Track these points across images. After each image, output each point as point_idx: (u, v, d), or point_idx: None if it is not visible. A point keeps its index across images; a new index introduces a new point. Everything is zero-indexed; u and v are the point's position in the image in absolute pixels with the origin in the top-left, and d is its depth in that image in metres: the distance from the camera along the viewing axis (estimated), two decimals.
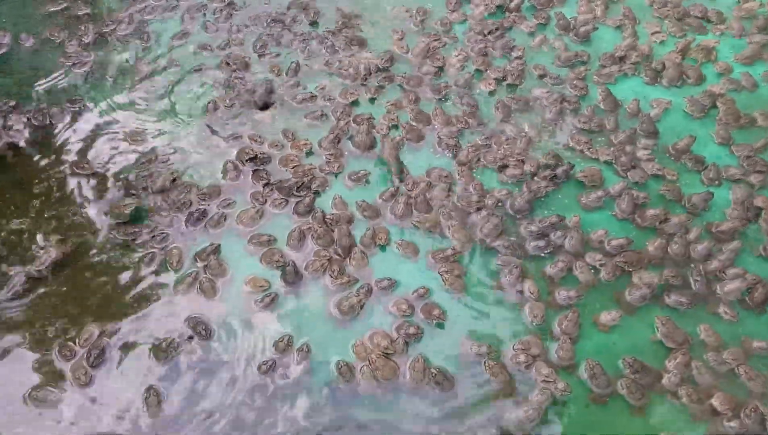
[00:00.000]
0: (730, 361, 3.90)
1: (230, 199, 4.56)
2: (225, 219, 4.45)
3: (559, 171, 4.68)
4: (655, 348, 4.00)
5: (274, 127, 5.02)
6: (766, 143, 4.90)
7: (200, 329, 3.93)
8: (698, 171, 4.83)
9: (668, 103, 5.20)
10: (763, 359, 3.93)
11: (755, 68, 5.48)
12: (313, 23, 5.79)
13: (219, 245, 4.32)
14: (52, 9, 5.82)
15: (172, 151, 4.82)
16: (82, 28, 5.65)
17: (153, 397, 3.68)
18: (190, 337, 3.92)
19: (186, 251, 4.29)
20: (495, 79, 5.34)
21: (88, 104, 5.11)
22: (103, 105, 5.13)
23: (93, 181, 4.64)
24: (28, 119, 4.96)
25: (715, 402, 3.75)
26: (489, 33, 5.68)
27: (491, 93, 5.27)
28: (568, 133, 5.01)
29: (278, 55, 5.51)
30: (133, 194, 4.55)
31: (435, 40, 5.56)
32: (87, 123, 5.01)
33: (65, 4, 5.86)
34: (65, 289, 4.12)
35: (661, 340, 3.99)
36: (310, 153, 4.86)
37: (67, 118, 5.00)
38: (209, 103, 5.12)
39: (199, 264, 4.24)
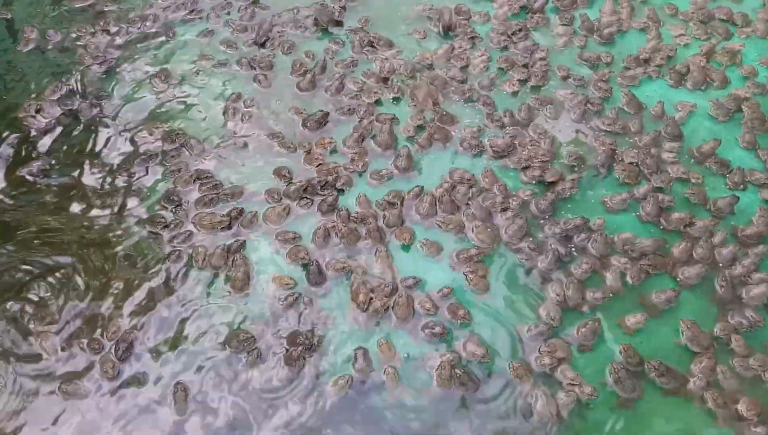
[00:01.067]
0: (756, 367, 3.88)
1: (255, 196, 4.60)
2: (257, 219, 4.50)
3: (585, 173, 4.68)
4: (680, 352, 3.99)
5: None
6: None
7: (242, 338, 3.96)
8: (723, 175, 4.80)
9: (693, 106, 5.18)
10: None
11: None
12: (338, 22, 5.81)
13: (244, 241, 4.35)
14: (79, 5, 5.87)
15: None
16: (105, 24, 5.72)
17: (181, 392, 3.72)
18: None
19: (211, 249, 4.32)
20: (519, 80, 5.33)
21: (113, 100, 5.16)
22: (127, 100, 5.18)
23: (123, 177, 4.70)
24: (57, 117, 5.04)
25: (741, 407, 3.74)
26: (512, 34, 5.67)
27: (514, 93, 5.27)
28: (592, 136, 5.00)
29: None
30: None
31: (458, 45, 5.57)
32: (111, 118, 5.06)
33: (91, 1, 5.91)
34: (92, 281, 4.18)
35: (686, 344, 3.98)
36: (334, 151, 4.89)
37: (95, 111, 5.05)
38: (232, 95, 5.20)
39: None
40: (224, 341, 3.94)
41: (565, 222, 4.45)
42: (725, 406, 3.75)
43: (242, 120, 5.05)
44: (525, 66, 5.43)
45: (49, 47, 5.53)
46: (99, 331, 3.95)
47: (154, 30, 5.72)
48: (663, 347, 4.00)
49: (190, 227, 4.42)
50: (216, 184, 4.63)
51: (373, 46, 5.57)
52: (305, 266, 4.25)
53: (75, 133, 4.97)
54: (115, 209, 4.53)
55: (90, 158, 4.81)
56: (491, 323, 4.08)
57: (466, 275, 4.24)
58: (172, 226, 4.42)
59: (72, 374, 3.79)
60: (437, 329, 3.97)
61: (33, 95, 5.13)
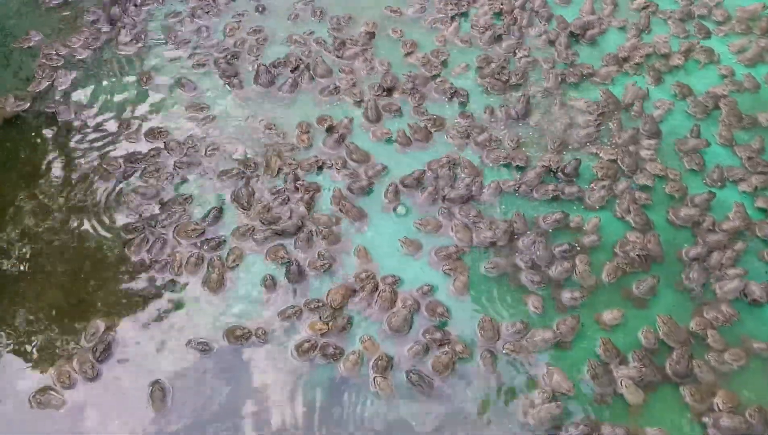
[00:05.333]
0: (731, 361, 3.93)
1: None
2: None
3: (569, 168, 4.70)
4: (658, 347, 4.02)
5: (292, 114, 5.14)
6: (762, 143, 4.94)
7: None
8: (701, 171, 4.85)
9: (671, 104, 5.23)
10: (764, 360, 3.96)
11: (757, 70, 5.50)
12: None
13: (224, 239, 4.36)
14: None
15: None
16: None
17: (158, 392, 3.71)
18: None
19: (188, 253, 4.33)
20: (502, 80, 5.36)
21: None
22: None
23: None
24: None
25: (717, 400, 3.78)
26: (497, 37, 5.70)
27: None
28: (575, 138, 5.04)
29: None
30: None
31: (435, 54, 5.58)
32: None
33: None
34: (69, 282, 4.17)
35: (662, 339, 4.02)
36: (309, 147, 4.92)
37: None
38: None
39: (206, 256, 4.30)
40: (223, 335, 3.96)
41: (545, 217, 4.48)
42: (702, 400, 3.78)
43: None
44: (503, 67, 5.45)
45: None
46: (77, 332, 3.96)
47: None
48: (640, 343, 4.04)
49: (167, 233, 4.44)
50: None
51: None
52: (285, 265, 4.26)
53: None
54: (94, 210, 4.53)
55: (65, 158, 4.80)
56: (470, 321, 4.09)
57: (445, 273, 4.27)
58: (149, 232, 4.43)
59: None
60: (438, 335, 3.99)
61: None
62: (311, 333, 3.98)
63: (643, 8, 5.95)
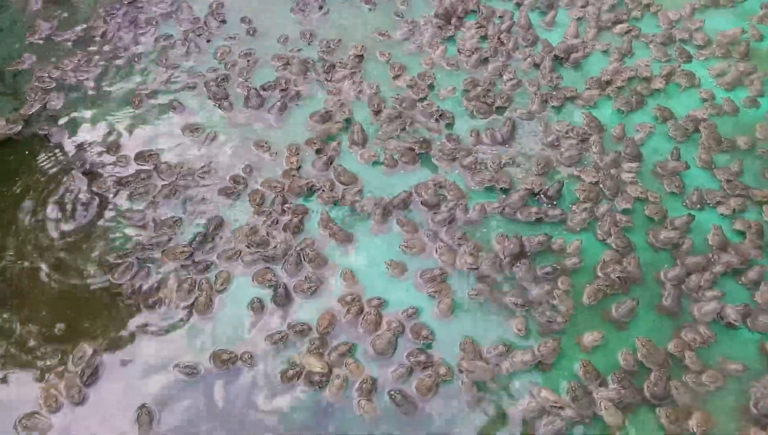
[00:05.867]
0: (708, 383, 4.01)
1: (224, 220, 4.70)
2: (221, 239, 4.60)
3: (551, 190, 4.80)
4: (637, 369, 4.11)
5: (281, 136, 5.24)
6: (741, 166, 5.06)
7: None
8: (680, 194, 4.96)
9: (652, 127, 5.34)
10: (740, 381, 4.05)
11: (736, 93, 5.63)
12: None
13: (212, 263, 4.44)
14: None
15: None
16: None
17: (145, 416, 3.77)
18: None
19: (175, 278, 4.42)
20: (488, 103, 5.47)
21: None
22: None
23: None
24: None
25: (692, 422, 3.86)
26: (483, 60, 5.81)
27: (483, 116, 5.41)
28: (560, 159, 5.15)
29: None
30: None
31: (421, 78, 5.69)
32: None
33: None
34: (56, 305, 4.24)
35: (641, 361, 4.11)
36: (299, 167, 5.02)
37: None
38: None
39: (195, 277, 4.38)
40: (210, 358, 4.03)
41: (529, 239, 4.58)
42: (677, 421, 3.86)
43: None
44: (488, 90, 5.56)
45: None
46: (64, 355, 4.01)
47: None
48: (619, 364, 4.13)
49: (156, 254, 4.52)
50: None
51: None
52: (273, 288, 4.34)
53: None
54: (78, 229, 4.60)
55: (56, 181, 4.88)
56: (454, 343, 4.17)
57: (430, 295, 4.35)
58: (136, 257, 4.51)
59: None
60: (422, 357, 4.06)
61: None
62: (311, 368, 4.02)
63: (626, 32, 6.09)
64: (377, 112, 5.39)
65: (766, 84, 5.69)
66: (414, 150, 5.13)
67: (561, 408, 3.86)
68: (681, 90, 5.66)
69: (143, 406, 3.82)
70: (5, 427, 3.75)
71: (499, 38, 5.98)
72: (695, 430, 3.82)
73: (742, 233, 4.74)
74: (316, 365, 4.01)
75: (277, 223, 4.68)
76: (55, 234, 4.56)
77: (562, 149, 5.17)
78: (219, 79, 5.58)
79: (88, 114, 5.35)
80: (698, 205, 4.89)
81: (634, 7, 6.33)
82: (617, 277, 4.42)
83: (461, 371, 4.00)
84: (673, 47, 6.01)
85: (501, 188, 4.92)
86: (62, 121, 5.27)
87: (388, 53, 5.87)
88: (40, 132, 5.17)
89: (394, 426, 3.84)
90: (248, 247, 4.51)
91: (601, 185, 4.94)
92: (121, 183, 4.86)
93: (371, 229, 4.70)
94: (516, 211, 4.76)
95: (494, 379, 4.00)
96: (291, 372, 3.98)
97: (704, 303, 4.32)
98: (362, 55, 5.84)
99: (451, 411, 3.91)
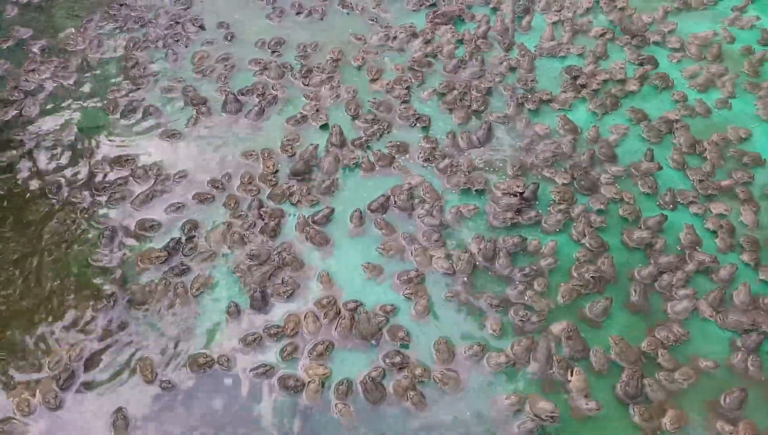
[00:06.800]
0: (681, 380, 4.06)
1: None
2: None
3: (527, 192, 4.85)
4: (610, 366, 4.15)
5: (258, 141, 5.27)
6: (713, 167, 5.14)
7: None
8: (653, 194, 5.02)
9: (626, 128, 5.41)
10: (711, 377, 4.11)
11: (709, 95, 5.71)
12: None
13: (185, 269, 4.44)
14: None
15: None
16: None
17: (121, 420, 3.76)
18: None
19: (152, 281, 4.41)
20: (464, 106, 5.52)
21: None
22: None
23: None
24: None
25: (666, 420, 3.90)
26: (460, 63, 5.86)
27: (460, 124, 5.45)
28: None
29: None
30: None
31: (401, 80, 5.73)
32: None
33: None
34: (32, 310, 4.22)
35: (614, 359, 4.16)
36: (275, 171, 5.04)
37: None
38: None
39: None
40: (186, 364, 4.03)
41: (504, 239, 4.62)
42: (650, 419, 3.91)
43: None
44: (465, 93, 5.61)
45: None
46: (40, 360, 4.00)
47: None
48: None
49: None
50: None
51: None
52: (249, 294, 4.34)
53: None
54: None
55: (31, 187, 4.87)
56: (430, 344, 4.19)
57: (406, 297, 4.38)
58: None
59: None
60: (398, 359, 4.08)
61: None
62: (310, 378, 4.01)
63: (601, 35, 6.16)
64: (355, 117, 5.41)
65: (738, 86, 5.79)
66: (392, 154, 5.17)
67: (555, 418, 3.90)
68: (659, 91, 5.73)
69: (119, 410, 3.82)
70: None
71: (475, 43, 6.03)
72: (669, 427, 3.86)
73: (713, 232, 4.80)
74: (318, 371, 4.02)
75: (254, 226, 4.68)
76: (24, 236, 4.56)
77: (537, 151, 5.23)
78: (196, 85, 5.58)
79: (62, 120, 5.32)
80: (671, 205, 4.96)
81: (609, 11, 6.40)
82: (591, 277, 4.47)
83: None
84: (646, 50, 6.09)
85: (476, 190, 4.96)
86: (37, 126, 5.25)
87: (364, 57, 5.90)
88: (14, 138, 5.14)
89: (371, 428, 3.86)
90: (229, 248, 4.54)
91: (575, 186, 5.00)
92: (97, 188, 4.84)
93: (348, 232, 4.72)
94: (493, 215, 4.80)
95: None
96: (262, 369, 4.01)
97: (677, 301, 4.38)
98: (339, 60, 5.87)
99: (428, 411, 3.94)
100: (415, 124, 5.39)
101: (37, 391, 3.87)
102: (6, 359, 4.01)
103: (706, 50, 6.07)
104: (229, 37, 6.04)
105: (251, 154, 5.12)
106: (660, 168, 5.14)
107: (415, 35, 6.10)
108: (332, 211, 4.77)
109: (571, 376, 4.03)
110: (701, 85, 5.77)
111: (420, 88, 5.70)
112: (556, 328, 4.23)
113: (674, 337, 4.24)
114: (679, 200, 4.98)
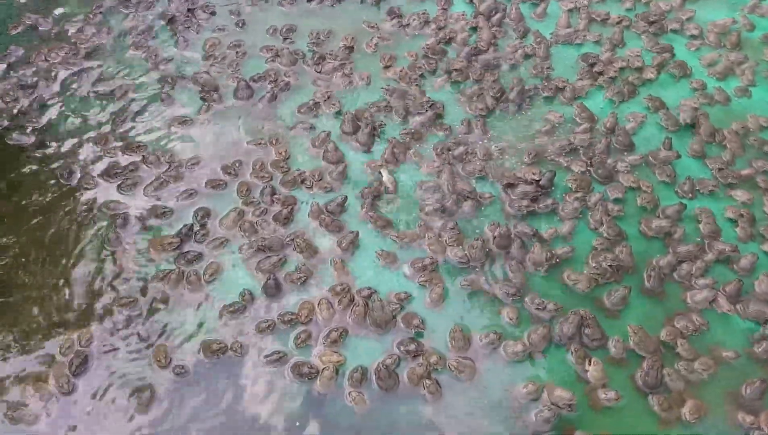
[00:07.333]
0: (701, 371, 3.99)
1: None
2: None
3: (543, 180, 4.77)
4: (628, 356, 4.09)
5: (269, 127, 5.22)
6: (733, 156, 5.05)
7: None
8: (671, 183, 4.94)
9: (644, 116, 5.33)
10: (732, 368, 4.03)
11: (728, 83, 5.61)
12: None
13: (198, 255, 4.41)
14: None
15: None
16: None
17: (144, 395, 3.79)
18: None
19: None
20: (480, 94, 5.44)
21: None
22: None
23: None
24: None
25: (685, 410, 3.84)
26: (475, 54, 5.78)
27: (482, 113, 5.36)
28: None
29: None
30: None
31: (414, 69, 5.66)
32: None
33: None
34: (44, 297, 4.20)
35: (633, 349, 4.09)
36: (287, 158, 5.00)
37: None
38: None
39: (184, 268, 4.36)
40: (200, 350, 4.00)
41: (516, 224, 4.56)
42: (670, 409, 3.84)
43: None
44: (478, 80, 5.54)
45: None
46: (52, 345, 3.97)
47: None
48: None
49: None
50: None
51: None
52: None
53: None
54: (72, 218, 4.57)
55: (45, 173, 4.84)
56: (445, 332, 4.14)
57: (420, 285, 4.32)
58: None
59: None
60: (412, 347, 4.03)
61: None
62: (325, 365, 3.97)
63: (617, 23, 6.07)
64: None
65: (758, 74, 5.68)
66: (406, 141, 5.11)
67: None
68: (676, 80, 5.63)
69: (141, 388, 3.83)
70: None
71: (490, 30, 5.95)
72: (688, 417, 3.80)
73: (733, 221, 4.72)
74: (332, 357, 3.98)
75: (266, 213, 4.64)
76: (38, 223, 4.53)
77: (554, 139, 5.15)
78: (208, 71, 5.53)
79: (75, 105, 5.30)
80: (690, 194, 4.87)
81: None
82: (609, 265, 4.39)
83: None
84: (664, 37, 5.99)
85: (492, 179, 4.89)
86: (50, 113, 5.22)
87: (376, 44, 5.83)
88: (27, 125, 5.12)
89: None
90: (242, 235, 4.50)
91: (593, 174, 4.93)
92: (108, 174, 4.81)
93: (362, 219, 4.66)
94: (509, 202, 4.73)
95: None
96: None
97: (697, 291, 4.31)
98: (352, 47, 5.80)
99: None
100: (429, 111, 5.31)
101: (50, 375, 3.85)
102: (19, 344, 3.99)
103: (725, 38, 5.97)
104: (240, 24, 5.98)
105: (261, 142, 5.06)
106: (678, 156, 5.05)
107: (427, 22, 6.02)
108: (345, 199, 4.71)
109: (589, 365, 3.97)
110: (720, 73, 5.67)
111: (434, 75, 5.63)
112: None
113: (694, 326, 4.17)
114: (698, 189, 4.89)
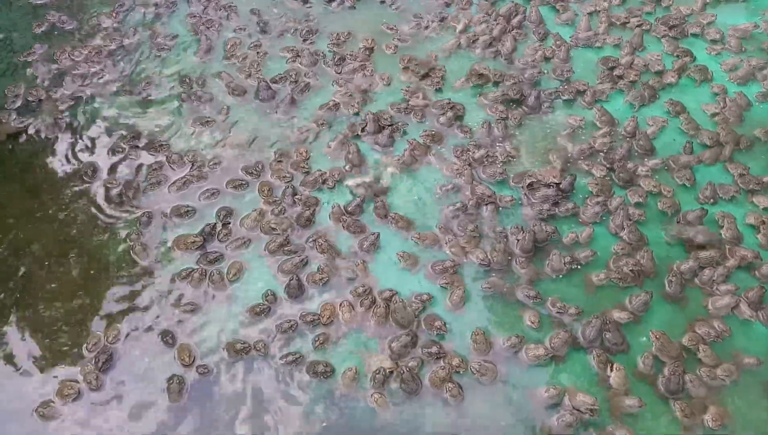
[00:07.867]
0: (723, 377, 3.99)
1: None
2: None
3: (564, 183, 4.78)
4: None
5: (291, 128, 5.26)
6: None
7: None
8: (693, 188, 4.93)
9: (664, 121, 5.32)
10: (754, 374, 4.03)
11: (749, 88, 5.59)
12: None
13: (219, 256, 4.44)
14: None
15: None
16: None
17: (176, 385, 3.83)
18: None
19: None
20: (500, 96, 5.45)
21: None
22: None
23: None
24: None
25: (707, 417, 3.84)
26: (495, 53, 5.79)
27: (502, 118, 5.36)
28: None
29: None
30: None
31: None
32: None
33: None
34: (70, 294, 4.25)
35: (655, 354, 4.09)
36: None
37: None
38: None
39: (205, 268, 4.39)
40: (225, 349, 4.04)
41: (537, 229, 4.56)
42: (692, 416, 3.84)
43: None
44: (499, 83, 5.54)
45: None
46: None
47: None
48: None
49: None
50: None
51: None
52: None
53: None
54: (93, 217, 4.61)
55: (67, 171, 4.88)
56: (467, 334, 4.15)
57: (441, 287, 4.34)
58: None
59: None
60: (434, 349, 4.05)
61: None
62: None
63: (637, 26, 6.05)
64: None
65: None
66: (427, 143, 5.12)
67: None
68: (697, 84, 5.62)
69: (174, 376, 3.89)
70: (24, 416, 3.78)
71: (511, 32, 5.94)
72: (710, 424, 3.80)
73: (753, 227, 4.71)
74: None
75: (284, 212, 4.66)
76: (61, 221, 4.58)
77: (574, 142, 5.15)
78: (230, 72, 5.57)
79: (97, 105, 5.34)
80: (711, 200, 4.86)
81: (647, 2, 6.29)
82: (630, 270, 4.40)
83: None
84: (684, 42, 5.97)
85: (512, 181, 4.89)
86: (74, 112, 5.27)
87: (396, 46, 5.84)
88: (49, 123, 5.16)
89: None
90: (265, 234, 4.54)
91: (614, 178, 4.93)
92: (133, 173, 4.85)
93: (379, 222, 4.68)
94: (530, 205, 4.74)
95: None
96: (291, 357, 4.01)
97: (718, 297, 4.30)
98: (373, 48, 5.82)
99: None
100: (449, 113, 5.31)
101: (78, 372, 3.90)
102: (46, 342, 4.04)
103: (747, 43, 5.94)
104: (261, 24, 6.01)
105: (283, 142, 5.09)
106: (699, 161, 5.05)
107: (444, 20, 6.04)
108: (364, 199, 4.73)
109: (611, 371, 3.97)
110: (741, 78, 5.64)
111: (452, 78, 5.64)
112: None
113: (715, 332, 4.16)
114: (720, 195, 4.88)
